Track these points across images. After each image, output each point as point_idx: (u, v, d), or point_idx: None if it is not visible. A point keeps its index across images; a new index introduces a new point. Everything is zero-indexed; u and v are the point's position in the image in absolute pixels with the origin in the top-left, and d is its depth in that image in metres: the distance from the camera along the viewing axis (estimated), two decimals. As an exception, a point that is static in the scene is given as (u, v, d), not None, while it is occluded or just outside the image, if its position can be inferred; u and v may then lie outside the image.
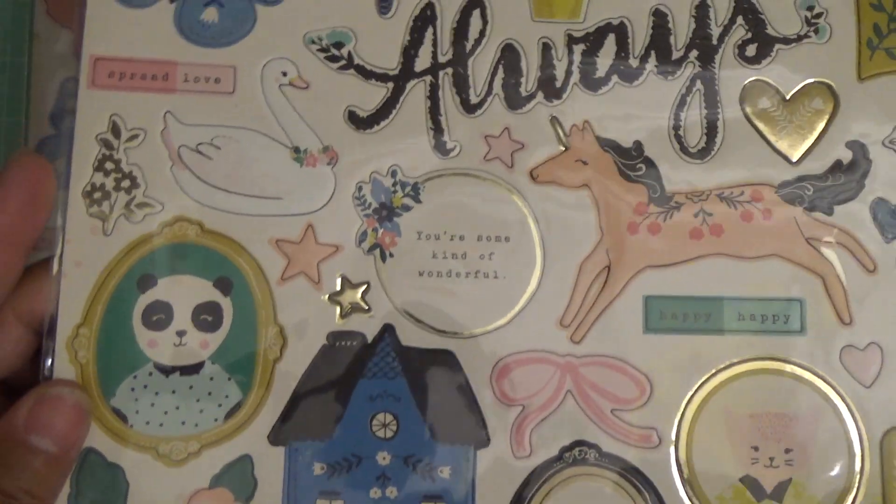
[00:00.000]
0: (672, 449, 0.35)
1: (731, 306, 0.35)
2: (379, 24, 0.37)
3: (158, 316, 0.34)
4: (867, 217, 0.36)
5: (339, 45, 0.37)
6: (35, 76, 0.42)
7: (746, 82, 0.37)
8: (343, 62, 0.37)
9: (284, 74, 0.36)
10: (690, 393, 0.35)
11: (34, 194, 0.34)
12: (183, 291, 0.35)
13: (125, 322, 0.34)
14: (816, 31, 0.37)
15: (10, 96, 0.42)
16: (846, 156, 0.36)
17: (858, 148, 0.36)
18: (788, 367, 0.35)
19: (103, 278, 0.34)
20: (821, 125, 0.37)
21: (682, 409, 0.35)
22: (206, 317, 0.35)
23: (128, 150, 0.35)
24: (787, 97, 0.37)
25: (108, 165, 0.35)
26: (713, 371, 0.35)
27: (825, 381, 0.35)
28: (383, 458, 0.34)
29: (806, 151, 0.36)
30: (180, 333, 0.34)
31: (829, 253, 0.36)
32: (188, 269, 0.35)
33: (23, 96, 0.42)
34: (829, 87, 0.37)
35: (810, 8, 0.37)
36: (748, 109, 0.37)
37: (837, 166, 0.36)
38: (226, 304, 0.35)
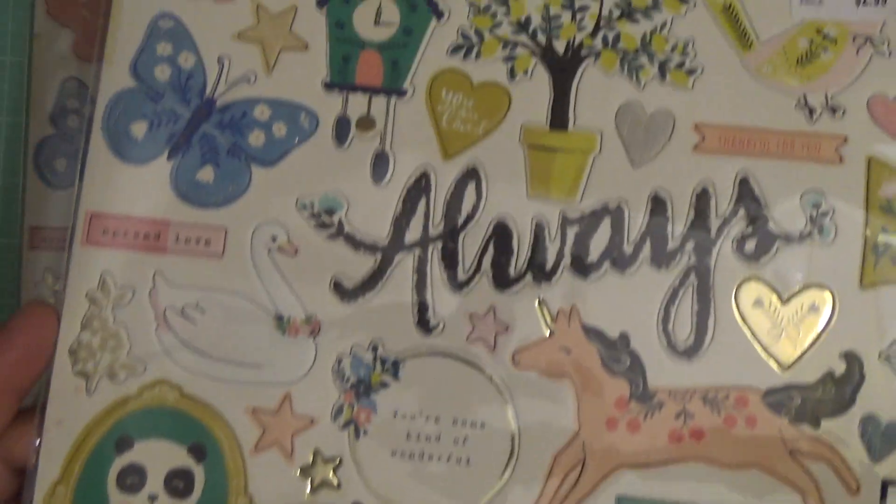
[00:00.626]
0: None
1: (705, 515, 0.35)
2: (372, 191, 0.37)
3: (132, 479, 0.35)
4: (855, 434, 0.35)
5: (330, 212, 0.37)
6: (35, 76, 0.42)
7: (742, 280, 0.36)
8: (333, 230, 0.37)
9: (274, 239, 0.36)
10: None
11: (36, 345, 0.35)
12: (157, 456, 0.35)
13: (101, 483, 0.35)
14: (821, 231, 0.36)
15: (11, 96, 0.42)
16: (839, 367, 0.35)
17: (853, 360, 0.35)
18: (757, 585, 0.34)
19: (82, 438, 0.35)
20: (816, 332, 0.35)
21: None
22: (179, 483, 0.35)
23: (115, 310, 0.36)
24: (784, 299, 0.36)
25: (96, 324, 0.36)
26: (679, 580, 0.35)
27: None
28: None
29: (798, 358, 0.35)
30: (152, 498, 0.35)
31: (811, 468, 0.35)
32: (164, 434, 0.35)
33: (23, 96, 0.42)
34: (829, 291, 0.36)
35: (817, 205, 0.36)
36: (742, 309, 0.36)
37: (829, 377, 0.35)
38: (198, 471, 0.35)
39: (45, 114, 0.42)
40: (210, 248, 0.36)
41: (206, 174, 0.37)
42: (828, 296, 0.36)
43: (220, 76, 0.37)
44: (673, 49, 0.37)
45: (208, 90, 0.37)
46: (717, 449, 0.35)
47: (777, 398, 0.35)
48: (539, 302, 0.36)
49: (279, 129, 0.37)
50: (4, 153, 0.42)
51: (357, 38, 0.37)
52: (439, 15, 0.37)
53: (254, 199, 0.37)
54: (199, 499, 0.35)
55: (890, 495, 0.35)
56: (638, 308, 0.36)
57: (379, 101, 0.37)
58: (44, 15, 0.42)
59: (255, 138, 0.37)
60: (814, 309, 0.36)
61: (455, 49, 0.37)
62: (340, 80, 0.37)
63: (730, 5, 0.37)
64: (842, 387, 0.35)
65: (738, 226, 0.36)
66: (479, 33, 0.37)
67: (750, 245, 0.36)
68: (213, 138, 0.37)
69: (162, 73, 0.37)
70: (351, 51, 0.37)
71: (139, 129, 0.37)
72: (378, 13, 0.38)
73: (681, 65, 0.37)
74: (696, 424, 0.35)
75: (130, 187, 0.36)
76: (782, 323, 0.36)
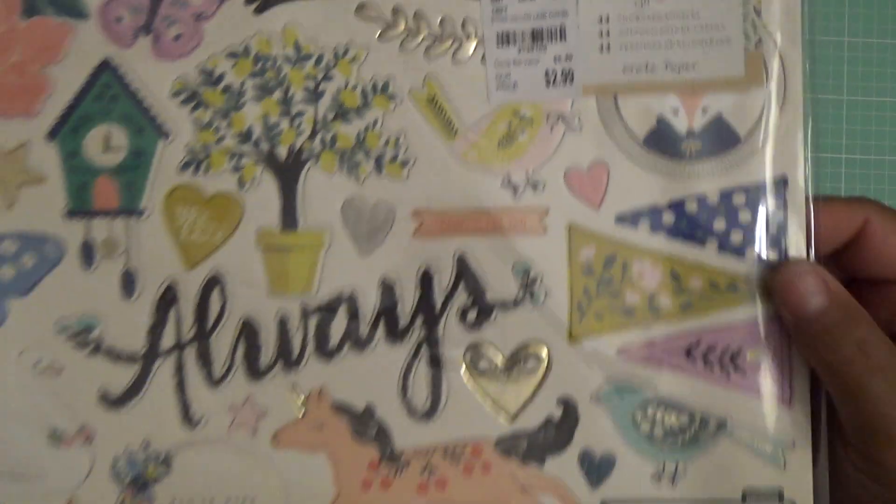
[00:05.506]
0: None
1: (451, 555, 0.40)
2: (124, 307, 0.40)
3: None
4: (575, 467, 0.40)
5: (87, 331, 0.40)
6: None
7: (468, 346, 0.40)
8: (92, 346, 0.40)
9: (37, 363, 0.39)
10: None
11: None
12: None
13: None
14: (532, 296, 0.40)
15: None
16: (557, 412, 0.40)
17: (568, 405, 0.40)
18: None
19: None
20: (535, 384, 0.40)
21: None
22: None
23: None
24: (505, 358, 0.40)
25: None
26: None
27: None
28: None
29: (521, 408, 0.40)
30: None
31: (542, 500, 0.40)
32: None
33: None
34: (545, 347, 0.40)
35: (526, 273, 0.40)
36: (469, 371, 0.40)
37: (549, 421, 0.40)
38: (-4, 582, 0.39)
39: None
40: (-22, 381, 0.39)
41: (-37, 312, 0.39)
42: (543, 352, 0.40)
43: (-37, 217, 0.39)
44: (386, 144, 0.40)
45: (-47, 232, 0.39)
46: (459, 495, 0.40)
47: (507, 445, 0.40)
48: (291, 387, 0.40)
49: (28, 261, 0.39)
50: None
51: (90, 166, 0.40)
52: (165, 135, 0.40)
53: (13, 329, 0.39)
54: None
55: (608, 513, 0.41)
56: (379, 382, 0.40)
57: (119, 223, 0.40)
58: None
59: (6, 272, 0.39)
60: (532, 365, 0.40)
61: (185, 166, 0.40)
62: (80, 207, 0.40)
63: (433, 97, 0.40)
64: (561, 428, 0.40)
65: (459, 299, 0.41)
66: (205, 148, 0.40)
67: (472, 315, 0.41)
68: (-35, 277, 0.39)
69: None
70: (86, 178, 0.40)
71: None
72: (107, 140, 0.40)
73: (394, 158, 0.40)
74: (439, 476, 0.40)
75: None
76: (505, 379, 0.40)
